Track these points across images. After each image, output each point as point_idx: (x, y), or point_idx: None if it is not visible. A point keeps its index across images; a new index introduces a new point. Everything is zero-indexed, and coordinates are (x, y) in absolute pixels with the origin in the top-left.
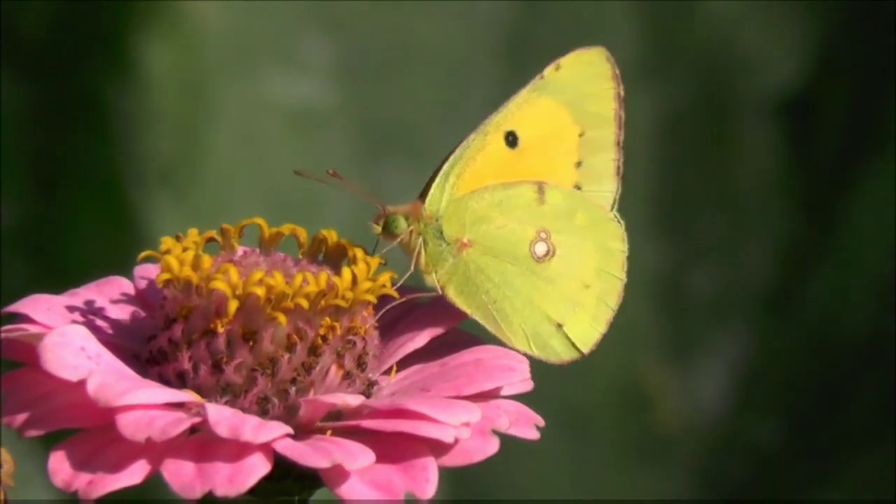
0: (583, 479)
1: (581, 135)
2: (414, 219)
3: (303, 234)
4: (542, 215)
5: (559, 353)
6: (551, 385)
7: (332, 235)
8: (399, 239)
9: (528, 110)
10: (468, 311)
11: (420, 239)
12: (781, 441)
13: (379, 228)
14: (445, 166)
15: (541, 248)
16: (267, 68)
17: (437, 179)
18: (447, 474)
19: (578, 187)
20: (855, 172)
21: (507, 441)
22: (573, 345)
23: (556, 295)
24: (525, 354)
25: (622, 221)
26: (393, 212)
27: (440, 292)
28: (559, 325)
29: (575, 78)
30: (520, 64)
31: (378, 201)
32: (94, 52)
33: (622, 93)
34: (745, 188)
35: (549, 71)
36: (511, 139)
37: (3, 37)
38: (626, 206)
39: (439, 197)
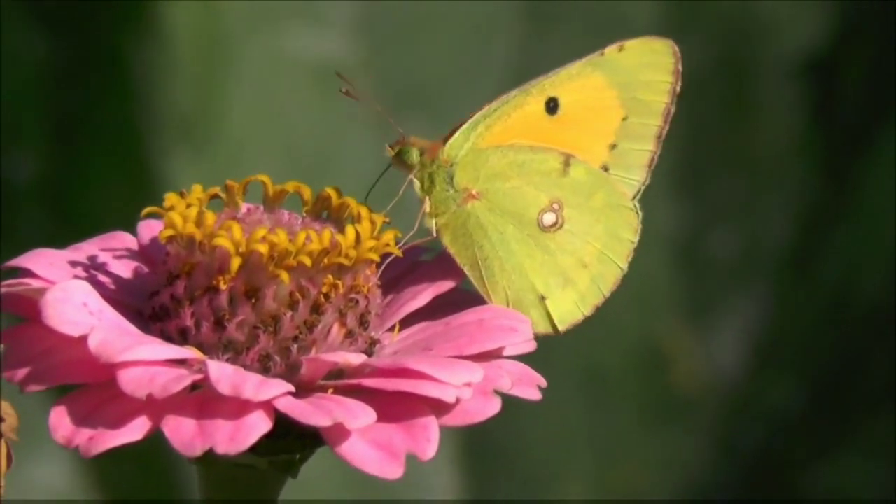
0: (600, 439)
1: (624, 119)
2: (429, 157)
3: (307, 192)
4: (561, 186)
5: (534, 324)
6: (569, 346)
7: (336, 193)
8: (411, 173)
9: (578, 82)
10: (457, 258)
11: (427, 180)
12: (799, 404)
13: (392, 152)
14: (477, 115)
15: (549, 218)
16: (288, 24)
17: (465, 126)
18: (464, 434)
19: (606, 168)
20: (874, 136)
21: (525, 403)
22: (551, 321)
23: (549, 267)
24: None
25: (640, 213)
26: (412, 143)
27: (434, 235)
28: (542, 298)
29: (635, 63)
30: (540, 24)
31: (399, 129)
32: (114, 6)
33: (678, 89)
34: (765, 151)
35: (610, 50)
36: (552, 105)
37: None
38: None
39: (461, 143)
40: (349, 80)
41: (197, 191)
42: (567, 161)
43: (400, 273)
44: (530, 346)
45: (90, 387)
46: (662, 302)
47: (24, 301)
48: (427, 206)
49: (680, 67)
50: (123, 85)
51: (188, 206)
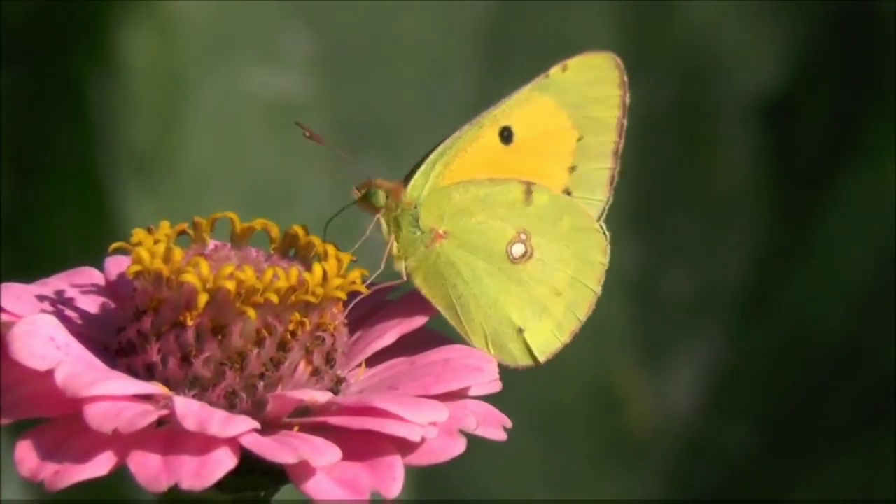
0: (554, 480)
1: (579, 139)
2: (393, 199)
3: (274, 230)
4: (526, 216)
5: (515, 357)
6: (524, 385)
7: (303, 231)
8: (377, 215)
9: (528, 108)
10: (432, 300)
11: (393, 223)
12: (752, 446)
13: (359, 195)
14: (434, 154)
15: (518, 249)
16: (245, 60)
17: (423, 166)
18: (418, 475)
19: (568, 192)
20: (832, 177)
21: (479, 441)
22: (531, 352)
23: (524, 298)
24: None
25: (608, 233)
26: (378, 185)
27: (405, 279)
28: (520, 330)
29: (581, 81)
30: (498, 60)
31: (364, 172)
32: (73, 41)
33: (628, 101)
34: (722, 191)
35: (554, 70)
36: (506, 135)
37: None
38: None
39: (422, 184)
40: (305, 125)
41: (165, 227)
42: (529, 189)
43: (366, 312)
44: (496, 387)
45: (56, 420)
46: (616, 342)
47: None
48: (394, 249)
49: (626, 79)
50: (81, 118)
51: (156, 241)
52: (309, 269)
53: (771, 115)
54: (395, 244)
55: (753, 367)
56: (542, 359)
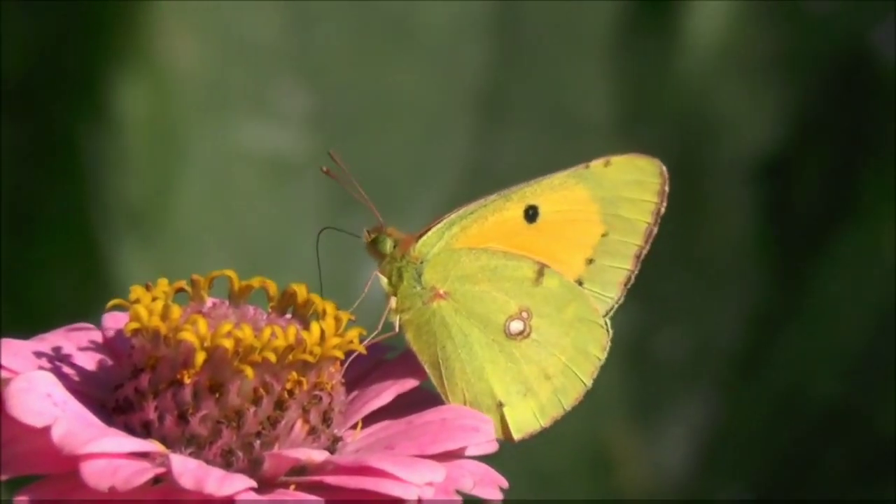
0: None
1: (604, 235)
2: (400, 250)
3: (273, 288)
4: (532, 295)
5: None
6: (516, 446)
7: (301, 290)
8: (382, 261)
9: (560, 192)
10: (419, 356)
11: (395, 274)
12: None
13: (368, 238)
14: (454, 216)
15: (516, 326)
16: (240, 116)
17: (440, 225)
18: None
19: (581, 282)
20: (828, 238)
21: (475, 502)
22: (506, 427)
23: (512, 374)
24: None
25: (611, 331)
26: (389, 233)
27: (396, 330)
28: (501, 404)
29: (620, 179)
30: (495, 119)
31: (378, 215)
32: (67, 94)
33: (663, 210)
34: (716, 252)
35: (596, 163)
36: (531, 213)
37: None
38: None
39: (434, 242)
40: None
41: (163, 284)
42: (541, 271)
43: (364, 371)
44: (492, 447)
45: (53, 477)
46: (610, 402)
47: None
48: (393, 303)
49: (667, 188)
50: (75, 172)
51: (154, 299)
52: (307, 327)
53: (767, 175)
54: (394, 299)
55: (747, 428)
56: (516, 437)
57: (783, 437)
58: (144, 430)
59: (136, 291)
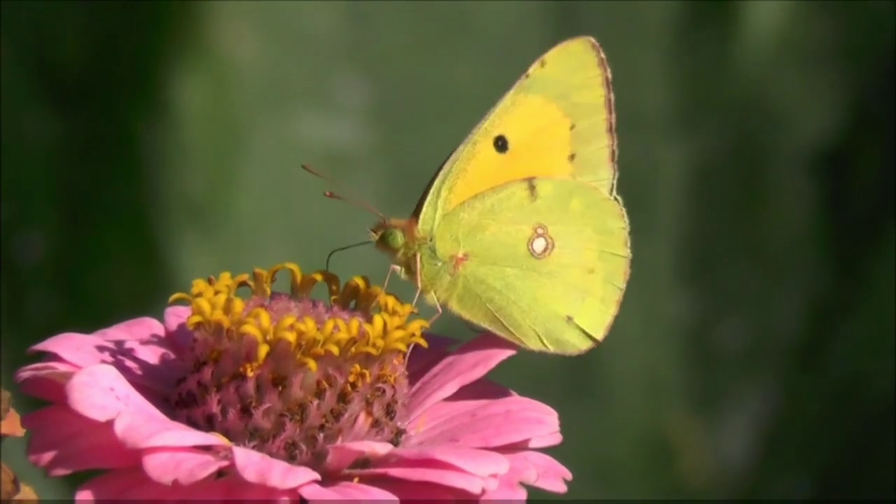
0: None
1: (572, 127)
2: (409, 238)
3: (335, 281)
4: (536, 210)
5: (575, 344)
6: (578, 437)
7: (363, 283)
8: (396, 256)
9: (516, 112)
10: (474, 320)
11: (417, 259)
12: (807, 497)
13: (376, 237)
14: (436, 182)
15: (539, 245)
16: (300, 108)
17: (429, 197)
18: None
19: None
20: (887, 228)
21: (538, 493)
22: (586, 334)
23: (561, 288)
24: (541, 352)
25: (620, 199)
26: (393, 225)
27: (440, 310)
28: (569, 318)
29: (561, 71)
30: None
31: (377, 211)
32: (126, 89)
33: (610, 77)
34: (777, 241)
35: (534, 69)
36: (500, 144)
37: (38, 71)
38: (656, 256)
39: (432, 215)
40: (312, 168)
41: (225, 278)
42: (531, 185)
43: (426, 363)
44: (556, 439)
45: (116, 471)
46: (670, 393)
47: (50, 385)
48: (420, 286)
49: (603, 56)
50: (134, 166)
51: (216, 292)
52: (369, 320)
53: (826, 166)
54: (420, 282)
55: (807, 417)
56: (599, 336)
57: (843, 426)
58: (207, 424)
59: (199, 285)
